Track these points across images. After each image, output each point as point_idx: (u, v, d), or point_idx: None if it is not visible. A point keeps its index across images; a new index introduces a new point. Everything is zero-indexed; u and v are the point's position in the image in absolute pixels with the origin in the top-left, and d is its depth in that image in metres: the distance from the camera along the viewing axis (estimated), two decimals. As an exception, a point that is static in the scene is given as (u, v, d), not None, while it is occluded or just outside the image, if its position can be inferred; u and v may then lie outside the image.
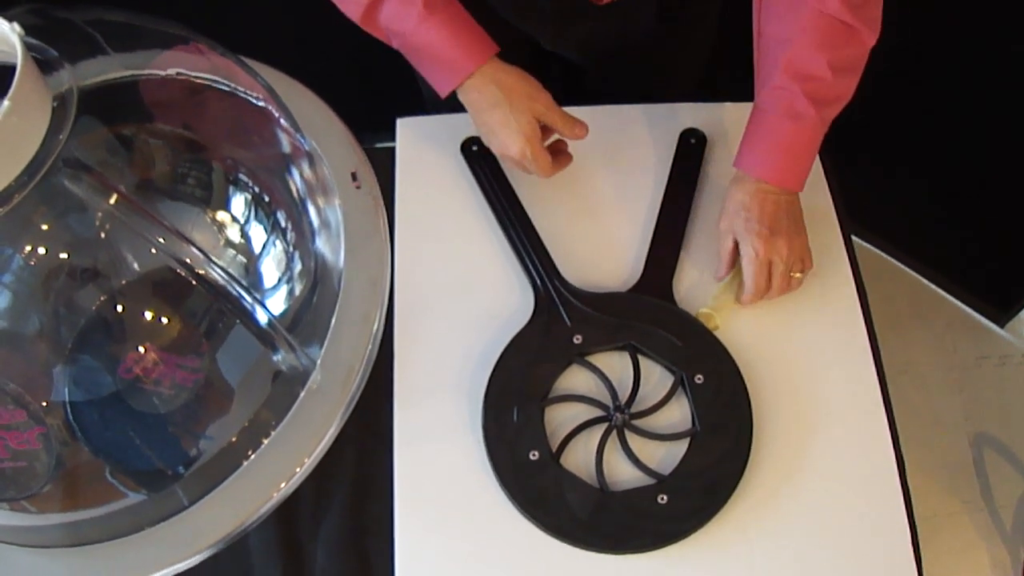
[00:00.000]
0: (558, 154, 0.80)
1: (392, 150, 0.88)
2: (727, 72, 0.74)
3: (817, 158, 0.88)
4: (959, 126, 1.38)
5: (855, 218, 0.87)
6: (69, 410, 0.68)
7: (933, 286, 1.63)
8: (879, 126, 1.47)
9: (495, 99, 0.75)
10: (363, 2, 0.74)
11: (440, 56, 0.75)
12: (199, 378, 0.68)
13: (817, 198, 0.87)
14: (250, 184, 0.70)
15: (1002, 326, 1.59)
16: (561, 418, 0.75)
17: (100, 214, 0.65)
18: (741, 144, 0.77)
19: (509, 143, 0.76)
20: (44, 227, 0.66)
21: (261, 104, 0.69)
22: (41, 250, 0.65)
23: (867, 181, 1.18)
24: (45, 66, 0.57)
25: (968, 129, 1.37)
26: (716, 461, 0.72)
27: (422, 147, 0.88)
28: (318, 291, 0.68)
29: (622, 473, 0.73)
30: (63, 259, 0.68)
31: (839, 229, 0.85)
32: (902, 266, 1.63)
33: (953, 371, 1.58)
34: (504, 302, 0.80)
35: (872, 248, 1.62)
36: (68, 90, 0.55)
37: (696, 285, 0.81)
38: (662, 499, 0.70)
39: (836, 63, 0.70)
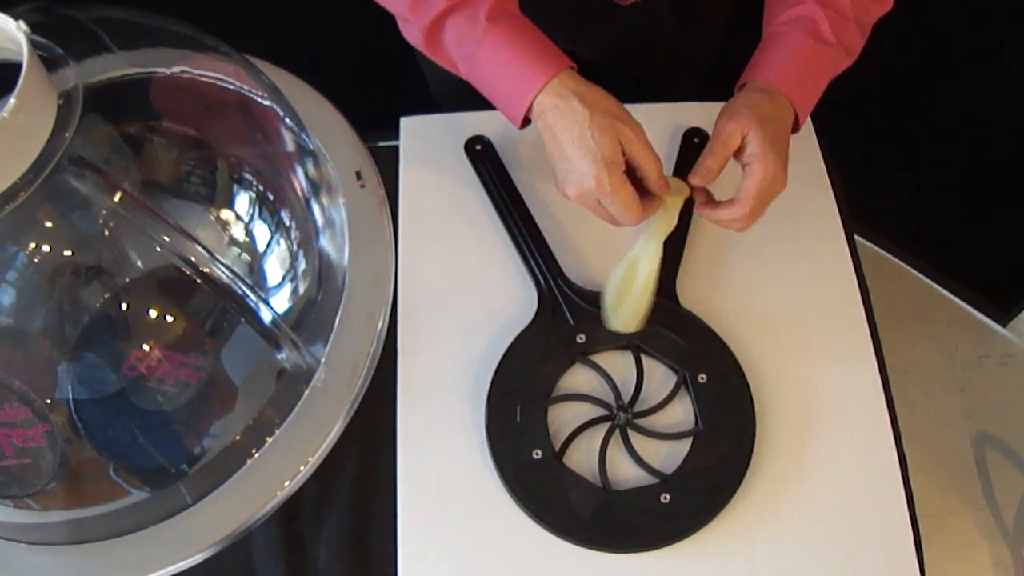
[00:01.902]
0: (646, 194, 0.66)
1: (396, 149, 0.88)
2: (732, 72, 0.74)
3: (819, 156, 0.89)
4: (961, 124, 1.38)
5: (856, 216, 0.87)
6: (73, 408, 0.68)
7: (935, 285, 1.63)
8: (881, 124, 1.47)
9: (572, 116, 0.63)
10: (425, 24, 0.66)
11: (507, 72, 0.66)
12: (203, 376, 0.68)
13: (819, 196, 0.86)
14: (254, 183, 0.70)
15: (1004, 325, 1.59)
16: (564, 417, 0.75)
17: (105, 212, 0.65)
18: (754, 61, 0.71)
19: (584, 169, 0.63)
20: (49, 225, 0.67)
21: (266, 103, 0.69)
22: (46, 247, 0.65)
23: (869, 179, 1.18)
24: (51, 64, 0.57)
25: (970, 127, 1.37)
26: (719, 460, 0.72)
27: (426, 146, 0.88)
28: (322, 290, 0.68)
29: (625, 472, 0.73)
30: (68, 257, 0.68)
31: (842, 228, 0.85)
32: (904, 265, 1.63)
33: (955, 370, 1.57)
34: (507, 301, 0.80)
35: (873, 247, 1.62)
36: (73, 88, 0.55)
37: (700, 284, 0.81)
38: (665, 498, 0.70)
39: (858, 16, 0.69)
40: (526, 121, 0.68)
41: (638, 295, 0.73)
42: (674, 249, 0.82)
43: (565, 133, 0.64)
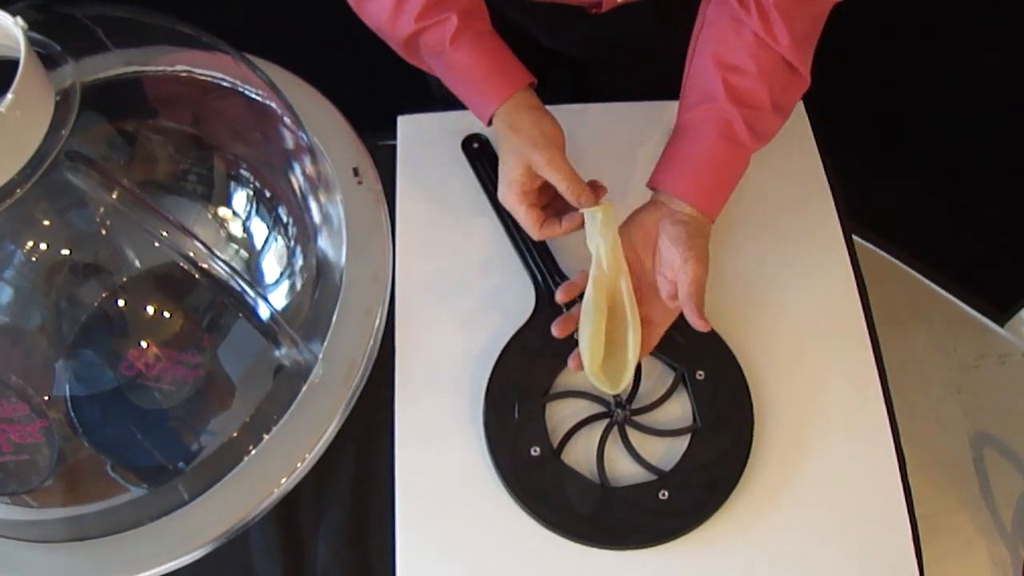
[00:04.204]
0: (557, 216, 0.71)
1: (394, 148, 0.88)
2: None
3: (817, 156, 0.89)
4: (959, 125, 1.38)
5: (854, 216, 0.87)
6: (71, 405, 0.68)
7: (933, 285, 1.63)
8: (879, 125, 1.47)
9: (502, 139, 0.71)
10: (401, 39, 0.72)
11: (470, 90, 0.72)
12: (200, 374, 0.68)
13: (818, 197, 0.86)
14: (252, 180, 0.70)
15: (1002, 325, 1.59)
16: (562, 414, 0.75)
17: (103, 209, 0.65)
18: (665, 159, 0.73)
19: (500, 181, 0.72)
20: (46, 222, 0.66)
21: (263, 100, 0.69)
22: (43, 245, 0.65)
23: (866, 180, 1.18)
24: (48, 61, 0.56)
25: (968, 127, 1.37)
26: (717, 457, 0.72)
27: (423, 144, 0.88)
28: (320, 286, 0.68)
29: (623, 469, 0.73)
30: (65, 254, 0.68)
31: (840, 228, 0.85)
32: (901, 265, 1.63)
33: (953, 370, 1.58)
34: (505, 298, 0.80)
35: (871, 247, 1.62)
36: (71, 85, 0.55)
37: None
38: (663, 495, 0.70)
39: (776, 101, 0.70)
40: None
41: (623, 345, 0.69)
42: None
43: (498, 150, 0.72)
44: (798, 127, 0.90)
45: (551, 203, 0.73)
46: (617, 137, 0.88)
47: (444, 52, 0.71)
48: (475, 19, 0.72)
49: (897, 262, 1.63)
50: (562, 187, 0.69)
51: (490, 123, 0.73)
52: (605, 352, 0.69)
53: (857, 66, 0.75)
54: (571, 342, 0.76)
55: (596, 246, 0.69)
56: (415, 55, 0.74)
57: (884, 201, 1.49)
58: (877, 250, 1.63)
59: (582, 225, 0.70)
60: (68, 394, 0.68)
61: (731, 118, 0.69)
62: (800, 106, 0.91)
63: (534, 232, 0.71)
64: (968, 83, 1.31)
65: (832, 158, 0.89)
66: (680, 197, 0.71)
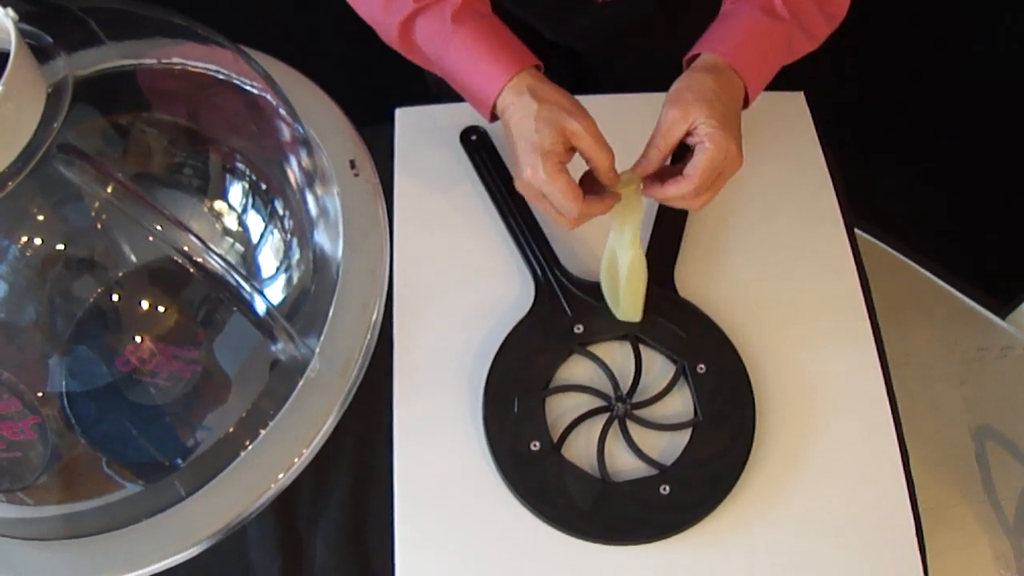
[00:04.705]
0: (596, 193, 0.66)
1: (391, 141, 0.87)
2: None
3: (819, 148, 0.88)
4: (959, 117, 1.38)
5: (854, 209, 0.86)
6: (66, 401, 0.67)
7: (934, 278, 1.62)
8: (881, 117, 1.46)
9: (524, 110, 0.64)
10: (396, 24, 0.69)
11: (473, 71, 0.68)
12: (197, 370, 0.68)
13: (820, 191, 0.86)
14: (248, 173, 0.69)
15: (1003, 318, 1.59)
16: (562, 408, 0.74)
17: (97, 203, 0.64)
18: (705, 35, 0.70)
19: (523, 159, 0.64)
20: (40, 217, 0.66)
21: (259, 92, 0.69)
22: (37, 239, 0.65)
23: (867, 173, 1.17)
24: (40, 53, 0.56)
25: (968, 120, 1.37)
26: (719, 451, 0.72)
27: (421, 137, 0.87)
28: (316, 280, 0.67)
29: (624, 464, 0.73)
30: (59, 249, 0.67)
31: (841, 220, 0.85)
32: (903, 258, 1.63)
33: (954, 363, 1.57)
34: (504, 292, 0.79)
35: (872, 239, 1.62)
36: (63, 78, 0.55)
37: (699, 274, 0.80)
38: (664, 490, 0.70)
39: None
40: (494, 117, 0.69)
41: (630, 285, 0.73)
42: (672, 238, 0.81)
43: (515, 127, 0.65)
44: (799, 118, 0.90)
45: None
46: (618, 129, 0.87)
47: (444, 34, 0.68)
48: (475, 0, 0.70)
49: (898, 255, 1.63)
50: (600, 158, 0.64)
51: (492, 115, 0.69)
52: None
53: (858, 57, 0.74)
54: (570, 336, 0.75)
55: (622, 218, 0.68)
56: (410, 44, 0.71)
57: (885, 193, 1.49)
58: (878, 243, 1.62)
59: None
60: (64, 390, 0.68)
61: None
62: (801, 97, 0.91)
63: (574, 209, 0.64)
64: (971, 74, 1.31)
65: (833, 150, 0.88)
66: (717, 57, 0.67)
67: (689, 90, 0.65)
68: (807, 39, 0.71)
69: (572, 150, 0.65)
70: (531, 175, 0.64)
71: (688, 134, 0.65)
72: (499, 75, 0.67)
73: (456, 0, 0.67)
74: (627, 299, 0.74)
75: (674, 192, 0.65)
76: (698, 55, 0.69)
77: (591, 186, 0.67)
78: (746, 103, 0.69)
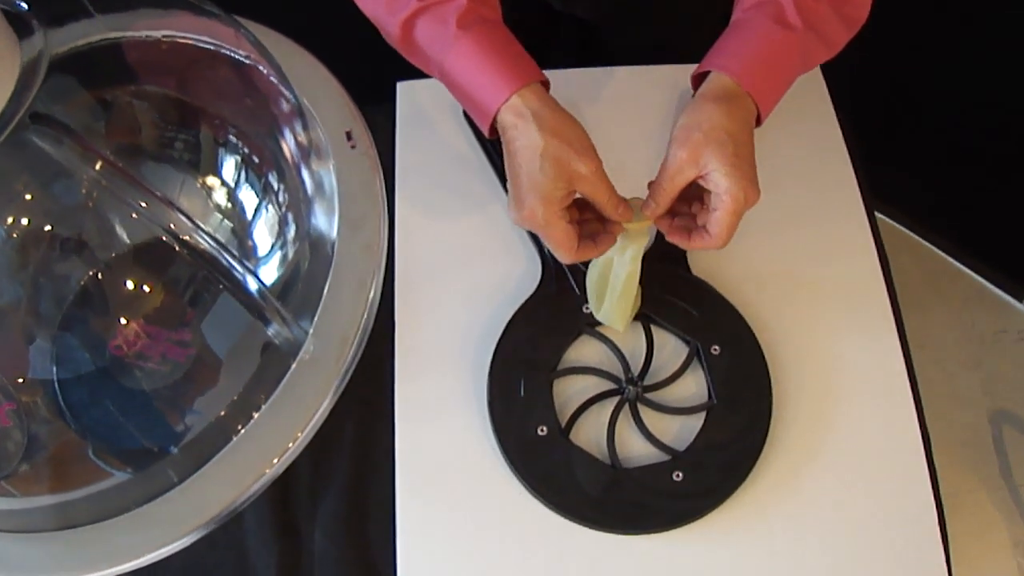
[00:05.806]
0: (592, 235, 0.65)
1: (393, 114, 0.85)
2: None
3: (839, 130, 0.86)
4: (979, 96, 1.36)
5: (871, 189, 0.85)
6: (57, 388, 0.66)
7: (951, 260, 1.62)
8: (900, 99, 1.45)
9: (529, 140, 0.62)
10: (398, 23, 0.66)
11: (473, 82, 0.65)
12: (191, 352, 0.66)
13: (840, 172, 0.84)
14: (240, 146, 0.68)
15: (1021, 300, 1.59)
16: (570, 391, 0.73)
17: (84, 180, 0.62)
18: (715, 47, 0.68)
19: (523, 197, 0.62)
20: (24, 195, 0.64)
21: (251, 63, 0.67)
22: (15, 218, 0.63)
23: (884, 154, 1.16)
24: (19, 23, 0.53)
25: (989, 99, 1.36)
26: (734, 436, 0.70)
27: (424, 111, 0.86)
28: (311, 257, 0.65)
29: (635, 449, 0.71)
30: (42, 227, 0.65)
31: (860, 199, 0.83)
32: (920, 239, 1.63)
33: (971, 346, 1.58)
34: (510, 270, 0.78)
35: (889, 221, 1.61)
36: (41, 49, 0.52)
37: (713, 252, 0.78)
38: (677, 476, 0.68)
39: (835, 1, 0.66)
40: (494, 132, 0.66)
41: (621, 298, 0.71)
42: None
43: (518, 157, 0.63)
44: (817, 99, 0.88)
45: None
46: (633, 104, 0.86)
47: (447, 38, 0.65)
48: (483, 3, 0.66)
49: (914, 236, 1.63)
50: (607, 204, 0.63)
51: (493, 129, 0.66)
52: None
53: (877, 38, 0.72)
54: (579, 316, 0.73)
55: (627, 241, 0.67)
56: (411, 45, 0.68)
57: (901, 174, 1.48)
58: (894, 223, 1.62)
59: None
60: (55, 376, 0.66)
61: (784, 3, 0.65)
62: (819, 77, 0.89)
63: (569, 255, 0.64)
64: (990, 56, 1.29)
65: (851, 130, 0.87)
66: (729, 77, 0.64)
67: (699, 128, 0.62)
68: (824, 47, 0.69)
69: (573, 192, 0.63)
70: (528, 216, 0.62)
71: (699, 176, 0.63)
72: (501, 89, 0.64)
73: (461, 3, 0.64)
74: (614, 309, 0.72)
75: (700, 246, 0.65)
76: (707, 73, 0.67)
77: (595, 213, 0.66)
78: (758, 121, 0.67)
